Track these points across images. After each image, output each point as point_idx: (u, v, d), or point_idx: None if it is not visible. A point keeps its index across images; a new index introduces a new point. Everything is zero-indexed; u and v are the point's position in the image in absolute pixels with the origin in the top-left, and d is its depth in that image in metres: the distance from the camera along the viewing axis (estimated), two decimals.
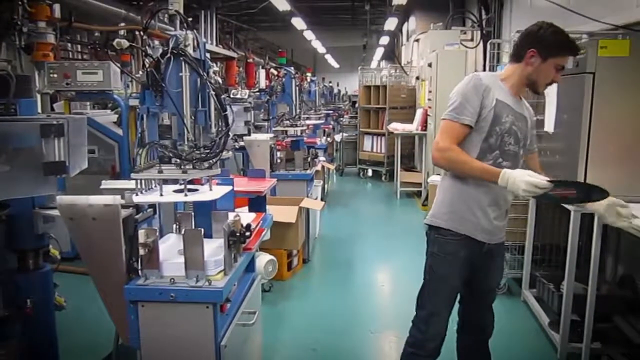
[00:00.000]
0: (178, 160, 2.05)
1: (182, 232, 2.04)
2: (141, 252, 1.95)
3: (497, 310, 4.01)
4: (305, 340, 3.45)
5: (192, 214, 2.36)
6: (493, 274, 2.49)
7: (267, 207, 4.14)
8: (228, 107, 2.23)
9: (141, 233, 1.95)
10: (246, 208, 3.02)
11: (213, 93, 2.05)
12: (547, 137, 3.54)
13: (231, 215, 2.24)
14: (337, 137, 10.37)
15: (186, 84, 2.02)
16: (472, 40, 7.17)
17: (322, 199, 7.05)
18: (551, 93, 3.45)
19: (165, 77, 2.01)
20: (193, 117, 2.13)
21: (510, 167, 2.11)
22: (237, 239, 2.11)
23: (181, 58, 2.01)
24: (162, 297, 1.95)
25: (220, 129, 2.18)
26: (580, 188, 2.16)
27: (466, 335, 2.60)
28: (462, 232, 2.19)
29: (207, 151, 2.07)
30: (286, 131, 5.45)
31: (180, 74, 2.02)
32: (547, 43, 2.11)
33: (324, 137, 8.06)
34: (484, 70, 5.74)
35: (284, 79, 5.32)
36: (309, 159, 5.07)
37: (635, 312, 3.59)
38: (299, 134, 5.35)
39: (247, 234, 2.18)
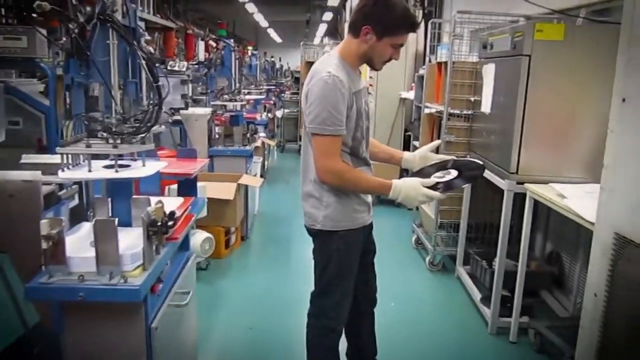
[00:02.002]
0: (107, 134, 1.92)
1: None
2: (44, 245, 1.68)
3: (432, 287, 4.16)
4: (242, 319, 3.41)
5: (110, 199, 2.08)
6: (371, 242, 2.36)
7: (204, 183, 4.05)
8: (163, 78, 2.10)
9: (43, 223, 1.67)
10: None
11: (144, 63, 1.94)
12: (483, 117, 3.61)
13: (154, 201, 1.97)
14: (279, 113, 10.26)
15: (114, 52, 1.89)
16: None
17: (262, 176, 6.98)
18: (488, 74, 3.51)
19: (90, 45, 1.87)
20: (123, 89, 2.00)
21: (366, 145, 2.09)
22: (158, 229, 1.85)
23: (108, 25, 1.87)
24: (69, 297, 1.74)
25: (152, 101, 2.07)
26: (461, 168, 2.15)
27: (358, 309, 2.37)
28: (359, 224, 2.12)
29: (137, 124, 1.95)
30: (225, 106, 5.31)
31: (108, 42, 1.89)
32: (382, 20, 1.94)
33: (265, 113, 7.95)
34: (425, 50, 5.79)
35: (223, 52, 5.17)
36: (249, 134, 4.97)
37: (561, 286, 3.77)
38: (238, 109, 5.23)
39: (170, 223, 1.93)
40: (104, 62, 1.90)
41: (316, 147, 1.94)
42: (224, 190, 4.21)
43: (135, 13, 2.05)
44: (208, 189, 3.98)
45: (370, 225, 2.21)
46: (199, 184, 3.80)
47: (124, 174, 1.92)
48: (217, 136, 4.79)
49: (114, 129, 1.89)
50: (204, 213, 3.86)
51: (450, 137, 4.00)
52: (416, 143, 5.72)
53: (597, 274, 1.67)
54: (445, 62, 4.24)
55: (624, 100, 1.55)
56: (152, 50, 2.21)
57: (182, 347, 2.53)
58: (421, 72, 5.94)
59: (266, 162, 7.88)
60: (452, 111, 4.00)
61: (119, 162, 1.97)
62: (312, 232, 2.11)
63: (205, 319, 3.25)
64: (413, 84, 6.54)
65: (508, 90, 3.13)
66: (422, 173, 2.20)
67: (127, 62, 2.01)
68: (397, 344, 3.08)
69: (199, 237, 3.80)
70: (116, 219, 1.74)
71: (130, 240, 1.88)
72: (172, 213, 1.97)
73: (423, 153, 2.27)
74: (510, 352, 3.12)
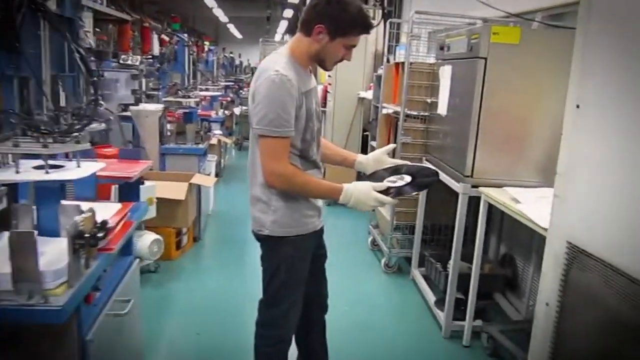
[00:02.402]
0: (37, 132, 1.78)
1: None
2: None
3: (387, 289, 4.12)
4: (191, 324, 3.29)
5: (35, 207, 1.85)
6: (322, 246, 2.26)
7: (154, 183, 3.91)
8: (112, 72, 1.96)
9: None
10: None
11: (77, 57, 1.80)
12: (439, 119, 3.58)
13: (85, 208, 1.75)
14: (237, 110, 10.09)
15: (45, 44, 1.75)
16: (373, 18, 7.17)
17: (217, 174, 6.83)
18: (445, 76, 3.49)
19: (19, 35, 1.72)
20: (61, 83, 1.86)
21: (317, 146, 2.01)
22: (86, 241, 1.62)
23: (39, 14, 1.73)
24: None
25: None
26: (414, 174, 2.08)
27: (309, 316, 2.28)
28: (310, 230, 2.03)
29: (72, 122, 1.81)
30: (179, 102, 5.15)
31: (39, 33, 1.74)
32: (335, 20, 1.85)
33: (222, 110, 7.78)
34: (384, 49, 5.75)
35: (176, 47, 5.00)
36: (202, 132, 4.83)
37: (514, 289, 3.79)
38: (192, 105, 5.07)
39: (100, 234, 1.69)
40: (34, 54, 1.75)
41: (263, 149, 1.85)
42: (175, 190, 4.07)
43: (72, 2, 1.91)
44: (158, 189, 3.84)
45: (321, 230, 2.13)
46: (148, 183, 3.67)
47: (54, 175, 1.75)
48: (169, 133, 4.62)
49: (43, 127, 1.74)
50: (153, 214, 3.73)
51: (406, 139, 3.97)
52: (374, 143, 5.68)
53: (549, 283, 1.63)
54: (403, 63, 4.20)
55: (578, 106, 1.52)
56: (92, 42, 2.06)
57: (124, 357, 2.40)
58: (380, 72, 5.91)
59: (222, 161, 7.72)
60: (409, 112, 3.97)
61: (52, 162, 1.82)
62: (259, 237, 2.01)
63: (153, 325, 3.11)
64: (372, 84, 6.52)
65: (464, 93, 3.11)
66: (375, 177, 2.13)
67: (64, 55, 1.86)
68: (349, 350, 3.03)
69: (147, 239, 3.65)
70: (35, 231, 1.57)
71: (56, 253, 1.66)
72: (104, 222, 1.76)
73: (377, 156, 2.21)
74: (463, 356, 3.11)
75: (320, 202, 2.08)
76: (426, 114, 3.92)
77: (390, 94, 4.60)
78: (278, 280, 2.01)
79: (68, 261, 1.56)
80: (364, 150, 6.19)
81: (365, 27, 1.90)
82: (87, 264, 1.67)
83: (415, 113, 3.95)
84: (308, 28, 1.88)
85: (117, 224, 1.97)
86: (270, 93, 1.77)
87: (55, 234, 1.79)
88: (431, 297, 3.64)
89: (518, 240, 3.74)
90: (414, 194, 1.98)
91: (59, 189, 1.81)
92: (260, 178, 1.93)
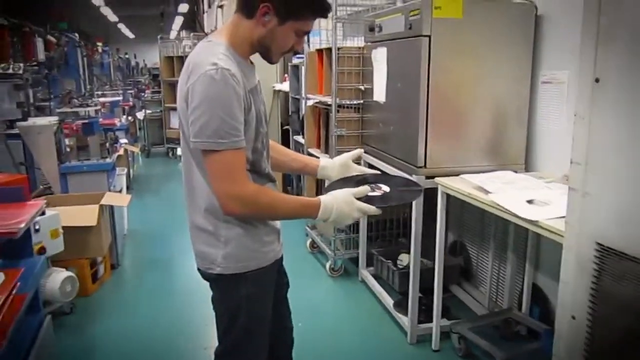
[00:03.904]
0: None
1: None
2: None
3: (338, 296, 3.78)
4: None
5: None
6: (283, 273, 1.88)
7: (58, 210, 3.32)
8: None
9: None
10: None
11: None
12: (377, 107, 3.29)
13: None
14: (140, 115, 9.35)
15: None
16: None
17: (128, 187, 6.20)
18: (379, 59, 3.19)
19: None
20: None
21: (268, 155, 1.63)
22: None
23: None
24: None
25: None
26: (389, 184, 1.75)
27: (274, 355, 1.83)
28: (271, 259, 1.64)
29: None
30: (76, 112, 4.52)
31: None
32: None
33: (124, 116, 7.10)
34: None
35: (66, 49, 4.35)
36: (108, 144, 4.24)
37: (468, 278, 3.60)
38: (92, 114, 4.45)
39: None
40: None
41: (211, 168, 1.43)
42: (84, 216, 3.50)
43: None
44: (64, 217, 3.26)
45: (282, 256, 1.74)
46: (49, 212, 3.09)
47: None
48: (68, 149, 4.00)
49: None
50: (59, 247, 3.17)
51: (341, 131, 3.65)
52: (298, 138, 5.32)
53: (573, 293, 1.37)
54: (328, 49, 3.87)
55: (597, 80, 1.25)
56: None
57: None
58: (295, 61, 5.56)
59: (131, 171, 7.06)
60: (341, 102, 3.64)
61: None
62: (209, 277, 1.60)
63: None
64: (286, 75, 6.16)
65: (406, 76, 2.83)
66: (344, 182, 1.78)
67: None
68: None
69: (56, 279, 3.07)
70: None
71: None
72: None
73: (344, 161, 1.85)
74: None
75: (279, 224, 1.70)
76: (360, 102, 3.62)
77: (314, 84, 4.26)
78: (238, 326, 1.60)
79: None
80: (286, 146, 5.80)
81: (323, 8, 1.51)
82: None
83: (347, 102, 3.64)
84: (251, 7, 1.47)
85: (7, 299, 1.46)
86: (210, 94, 1.36)
87: None
88: (387, 299, 3.36)
89: (467, 225, 3.55)
90: (398, 204, 1.64)
91: None
92: (204, 203, 1.52)
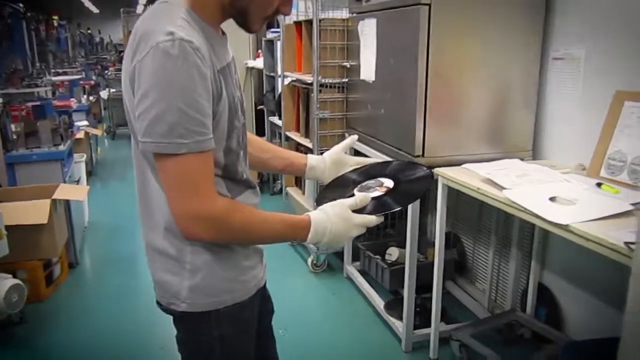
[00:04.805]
0: None
1: None
2: None
3: (323, 295, 3.43)
4: None
5: None
6: (267, 298, 1.51)
7: (5, 205, 2.92)
8: None
9: None
10: None
11: None
12: (365, 87, 2.92)
13: None
14: (104, 94, 8.80)
15: None
16: None
17: (90, 173, 5.76)
18: (367, 33, 2.83)
19: None
20: None
21: (245, 155, 1.25)
22: None
23: None
24: None
25: None
26: (396, 174, 1.40)
27: None
28: (252, 288, 1.27)
29: None
30: (28, 93, 4.04)
31: None
32: None
33: (85, 97, 6.59)
34: None
35: (10, 21, 3.86)
36: (61, 129, 3.79)
37: (463, 273, 3.32)
38: (44, 95, 3.98)
39: None
40: None
41: (166, 178, 1.05)
42: (34, 212, 3.08)
43: None
44: (9, 214, 2.87)
45: (266, 281, 1.39)
46: None
47: None
48: (15, 137, 3.54)
49: None
50: (4, 251, 2.76)
51: (324, 113, 3.28)
52: (274, 119, 4.95)
53: None
54: (307, 21, 3.48)
55: None
56: None
57: None
58: (270, 35, 5.16)
59: (94, 156, 6.58)
60: (323, 81, 3.27)
61: None
62: (173, 314, 1.23)
63: None
64: (260, 51, 5.76)
65: (401, 51, 2.47)
66: (338, 186, 1.43)
67: None
68: None
69: (0, 288, 2.67)
70: None
71: None
72: None
73: (335, 155, 1.49)
74: None
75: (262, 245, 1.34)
76: (344, 80, 3.25)
77: (292, 60, 3.87)
78: None
79: None
80: (261, 128, 5.42)
81: None
82: None
83: (330, 81, 3.27)
84: None
85: None
86: (164, 75, 0.98)
87: None
88: (377, 299, 3.05)
89: (462, 216, 3.25)
90: (398, 208, 1.28)
91: None
92: (162, 219, 1.15)
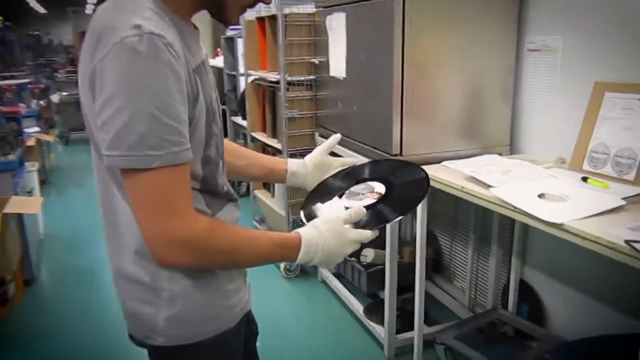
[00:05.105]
0: None
1: None
2: None
3: (297, 301, 3.29)
4: None
5: None
6: (251, 321, 1.39)
7: None
8: None
9: None
10: None
11: None
12: (336, 84, 2.81)
13: None
14: (55, 98, 8.43)
15: None
16: None
17: (43, 181, 5.47)
18: (335, 27, 2.72)
19: None
20: None
21: (224, 165, 1.12)
22: None
23: None
24: None
25: None
26: (388, 177, 1.28)
27: None
28: (237, 315, 1.13)
29: None
30: None
31: None
32: None
33: (35, 101, 6.26)
34: None
35: None
36: (10, 136, 3.53)
37: (439, 271, 3.25)
38: None
39: None
40: None
41: (136, 197, 0.90)
42: None
43: None
44: None
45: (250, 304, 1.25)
46: None
47: None
48: None
49: None
50: None
51: (292, 113, 3.16)
52: (236, 119, 4.79)
53: None
54: (270, 17, 3.34)
55: None
56: None
57: None
58: (229, 33, 5.00)
59: (47, 162, 6.26)
60: (291, 79, 3.14)
61: None
62: (147, 347, 1.09)
63: None
64: (219, 49, 5.60)
65: (374, 46, 2.37)
66: (324, 193, 1.31)
67: None
68: None
69: None
70: None
71: None
72: None
73: (318, 159, 1.36)
74: None
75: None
76: (312, 77, 3.13)
77: (256, 58, 3.72)
78: None
79: None
80: (223, 129, 5.24)
81: None
82: None
83: (299, 79, 3.14)
84: None
85: None
86: (132, 77, 0.83)
87: None
88: (355, 304, 2.94)
89: (437, 212, 3.18)
90: (396, 219, 1.16)
91: None
92: (132, 241, 1.00)
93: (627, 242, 1.40)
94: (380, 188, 1.25)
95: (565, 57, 2.26)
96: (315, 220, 1.09)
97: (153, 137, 0.85)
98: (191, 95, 0.92)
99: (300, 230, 1.06)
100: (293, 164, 1.35)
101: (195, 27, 1.05)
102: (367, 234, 1.09)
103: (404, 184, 1.25)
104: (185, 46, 0.93)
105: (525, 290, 2.63)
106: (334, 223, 1.07)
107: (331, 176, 1.36)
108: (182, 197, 0.91)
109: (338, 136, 1.42)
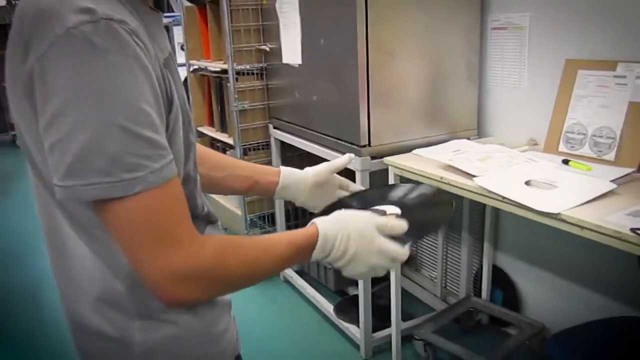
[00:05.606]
0: None
1: None
2: None
3: (259, 304, 3.06)
4: None
5: None
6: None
7: None
8: None
9: None
10: None
11: None
12: (291, 71, 2.63)
13: None
14: None
15: None
16: None
17: None
18: (287, 11, 2.52)
19: None
20: None
21: (199, 180, 0.92)
22: None
23: None
24: None
25: None
26: (405, 202, 1.11)
27: None
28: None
29: None
30: None
31: None
32: None
33: None
34: None
35: None
36: None
37: (407, 262, 3.15)
38: None
39: None
40: None
41: (124, 231, 0.69)
42: None
43: None
44: None
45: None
46: None
47: None
48: None
49: None
50: None
51: (243, 104, 2.94)
52: None
53: None
54: (212, 2, 3.10)
55: None
56: None
57: None
58: (164, 20, 4.67)
59: None
60: (238, 68, 2.93)
61: None
62: None
63: None
64: None
65: (334, 30, 2.20)
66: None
67: None
68: None
69: None
70: None
71: None
72: None
73: (324, 176, 1.14)
74: None
75: (228, 295, 1.01)
76: (263, 66, 2.92)
77: (197, 47, 3.47)
78: None
79: None
80: None
81: None
82: None
83: (248, 67, 2.93)
84: None
85: None
86: (89, 78, 0.62)
87: None
88: (324, 303, 2.79)
89: None
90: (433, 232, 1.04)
91: None
92: (93, 287, 0.79)
93: (632, 230, 1.32)
94: (393, 209, 1.08)
95: (533, 34, 2.17)
96: (344, 212, 0.91)
97: (128, 156, 0.65)
98: (165, 98, 0.72)
99: (317, 220, 0.88)
100: (287, 178, 1.14)
101: (153, 8, 0.83)
102: (401, 252, 0.89)
103: (431, 214, 1.10)
104: (149, 34, 0.73)
105: (499, 276, 2.57)
106: (365, 222, 0.88)
107: (342, 198, 1.17)
108: (179, 220, 0.72)
109: (352, 155, 1.21)
